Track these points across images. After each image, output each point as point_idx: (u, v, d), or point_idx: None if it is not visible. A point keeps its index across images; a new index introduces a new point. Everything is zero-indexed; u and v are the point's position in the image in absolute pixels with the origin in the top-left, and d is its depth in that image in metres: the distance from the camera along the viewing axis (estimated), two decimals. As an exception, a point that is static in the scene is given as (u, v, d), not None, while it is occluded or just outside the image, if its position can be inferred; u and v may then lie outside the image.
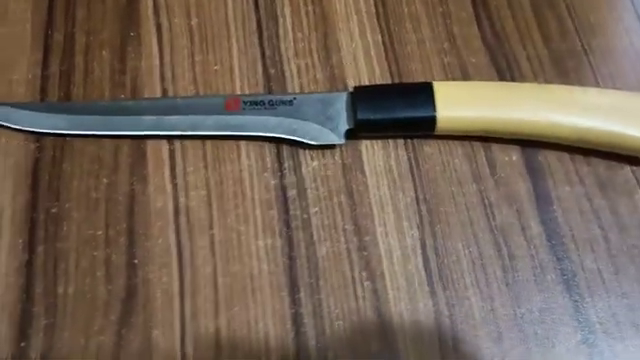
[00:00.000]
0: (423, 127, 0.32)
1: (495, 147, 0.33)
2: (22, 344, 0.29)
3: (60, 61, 0.35)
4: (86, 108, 0.33)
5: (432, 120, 0.32)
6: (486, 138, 0.33)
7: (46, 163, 0.32)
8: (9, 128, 0.33)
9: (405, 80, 0.35)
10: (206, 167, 0.32)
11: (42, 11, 0.36)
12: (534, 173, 0.33)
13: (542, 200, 0.32)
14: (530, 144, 0.33)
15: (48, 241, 0.31)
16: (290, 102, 0.33)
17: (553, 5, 0.37)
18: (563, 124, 0.31)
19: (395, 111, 0.32)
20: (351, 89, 0.34)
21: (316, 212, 0.31)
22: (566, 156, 0.33)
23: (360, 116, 0.32)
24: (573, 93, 0.32)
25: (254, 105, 0.32)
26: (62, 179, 0.32)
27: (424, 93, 0.32)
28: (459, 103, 0.32)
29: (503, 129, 0.32)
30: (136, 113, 0.33)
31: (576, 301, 0.30)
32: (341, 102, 0.33)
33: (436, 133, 0.32)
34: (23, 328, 0.29)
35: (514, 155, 0.33)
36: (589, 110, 0.32)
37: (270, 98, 0.33)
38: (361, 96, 0.32)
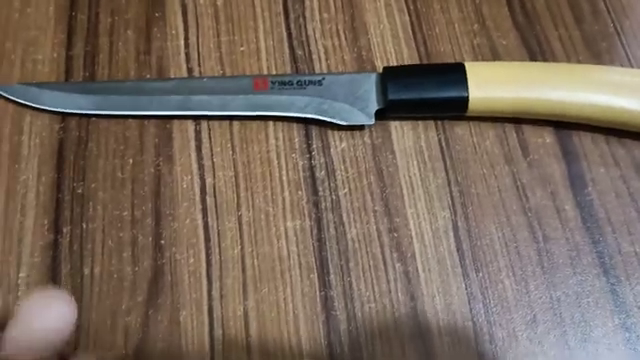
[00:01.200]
0: (454, 108, 0.31)
1: (527, 129, 0.32)
2: (48, 324, 0.28)
3: (84, 41, 0.34)
4: (112, 88, 0.33)
5: (464, 101, 0.31)
6: (518, 119, 0.32)
7: (71, 143, 0.32)
8: (34, 108, 0.32)
9: (434, 62, 0.34)
10: (233, 148, 0.32)
11: (66, -8, 0.36)
12: (568, 155, 0.32)
13: (577, 182, 0.31)
14: (563, 126, 0.32)
15: (74, 221, 0.30)
16: (319, 82, 0.32)
17: (584, -14, 0.36)
18: (598, 104, 0.31)
19: (426, 91, 0.31)
20: (380, 70, 0.33)
21: (345, 193, 0.31)
22: (601, 138, 0.32)
23: (391, 96, 0.31)
24: (608, 73, 0.32)
25: (283, 85, 0.32)
26: (87, 159, 0.32)
27: (456, 73, 0.31)
28: (492, 84, 0.31)
29: (537, 110, 0.31)
30: (163, 93, 0.32)
31: (613, 284, 0.29)
32: (371, 82, 0.32)
33: (468, 114, 0.32)
34: (49, 308, 0.29)
35: (547, 137, 0.32)
36: (624, 90, 0.31)
37: (299, 78, 0.32)
38: (391, 76, 0.32)
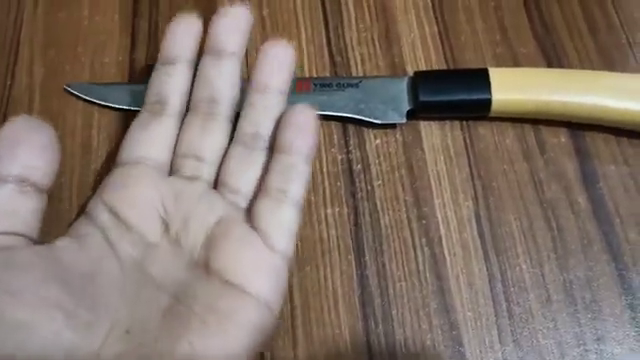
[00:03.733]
0: (479, 109, 0.35)
1: (544, 129, 0.36)
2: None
3: (146, 46, 0.38)
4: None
5: (487, 103, 0.34)
6: (536, 121, 0.36)
7: (135, 136, 0.36)
8: (101, 105, 0.36)
9: (459, 68, 0.38)
10: (279, 142, 0.36)
11: (129, 1, 0.40)
12: (581, 153, 0.35)
13: (589, 178, 0.34)
14: (577, 127, 0.35)
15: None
16: (356, 85, 0.36)
17: None
18: (610, 108, 0.34)
19: (453, 94, 0.35)
20: (411, 74, 0.37)
21: (379, 184, 0.34)
22: (612, 138, 0.35)
23: (421, 98, 0.35)
24: (619, 79, 0.35)
25: (323, 87, 0.36)
26: (149, 151, 0.35)
27: (480, 78, 0.35)
28: (513, 87, 0.35)
29: (553, 112, 0.35)
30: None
31: (621, 270, 0.32)
32: (403, 85, 0.36)
33: (490, 115, 0.35)
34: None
35: (562, 137, 0.36)
36: (634, 95, 0.34)
37: (338, 81, 0.36)
38: (422, 80, 0.35)
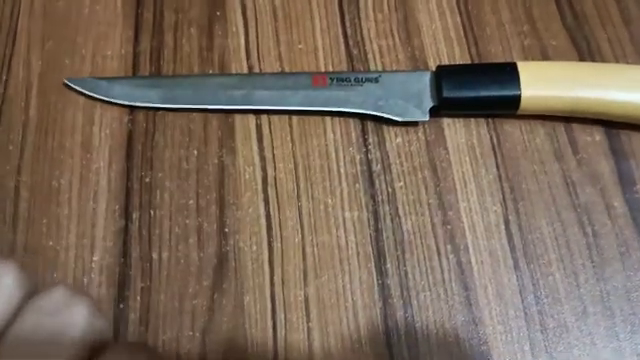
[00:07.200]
0: (507, 106, 0.33)
1: (577, 127, 0.33)
2: (121, 305, 0.30)
3: (150, 38, 0.36)
4: (177, 83, 0.34)
5: (516, 99, 0.32)
6: (568, 118, 0.33)
7: (139, 134, 0.34)
8: (104, 101, 0.34)
9: (485, 61, 0.35)
10: (293, 141, 0.33)
11: (132, -10, 0.38)
12: (617, 153, 0.33)
13: (625, 180, 0.32)
14: (613, 125, 0.33)
15: (143, 208, 0.32)
16: (375, 79, 0.33)
17: (633, -12, 0.37)
18: (649, 105, 0.32)
19: (479, 89, 0.32)
20: (434, 68, 0.34)
21: (401, 187, 0.32)
22: (649, 137, 0.33)
23: (445, 94, 0.32)
24: (658, 74, 0.33)
25: (340, 82, 0.33)
26: (155, 150, 0.33)
27: (508, 72, 0.32)
28: (543, 83, 0.32)
29: (587, 109, 0.32)
30: (226, 88, 0.34)
31: (662, 279, 0.30)
32: (425, 80, 0.33)
33: (519, 112, 0.33)
34: (121, 290, 0.30)
35: (597, 135, 0.33)
36: (675, 91, 0.32)
37: (356, 75, 0.33)
38: (445, 75, 0.33)
